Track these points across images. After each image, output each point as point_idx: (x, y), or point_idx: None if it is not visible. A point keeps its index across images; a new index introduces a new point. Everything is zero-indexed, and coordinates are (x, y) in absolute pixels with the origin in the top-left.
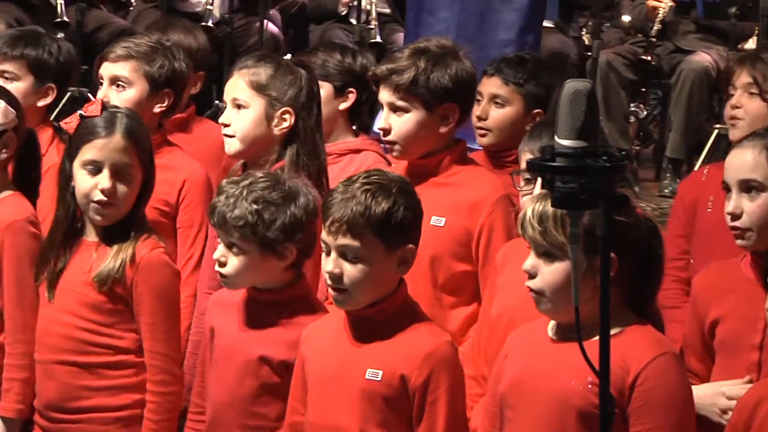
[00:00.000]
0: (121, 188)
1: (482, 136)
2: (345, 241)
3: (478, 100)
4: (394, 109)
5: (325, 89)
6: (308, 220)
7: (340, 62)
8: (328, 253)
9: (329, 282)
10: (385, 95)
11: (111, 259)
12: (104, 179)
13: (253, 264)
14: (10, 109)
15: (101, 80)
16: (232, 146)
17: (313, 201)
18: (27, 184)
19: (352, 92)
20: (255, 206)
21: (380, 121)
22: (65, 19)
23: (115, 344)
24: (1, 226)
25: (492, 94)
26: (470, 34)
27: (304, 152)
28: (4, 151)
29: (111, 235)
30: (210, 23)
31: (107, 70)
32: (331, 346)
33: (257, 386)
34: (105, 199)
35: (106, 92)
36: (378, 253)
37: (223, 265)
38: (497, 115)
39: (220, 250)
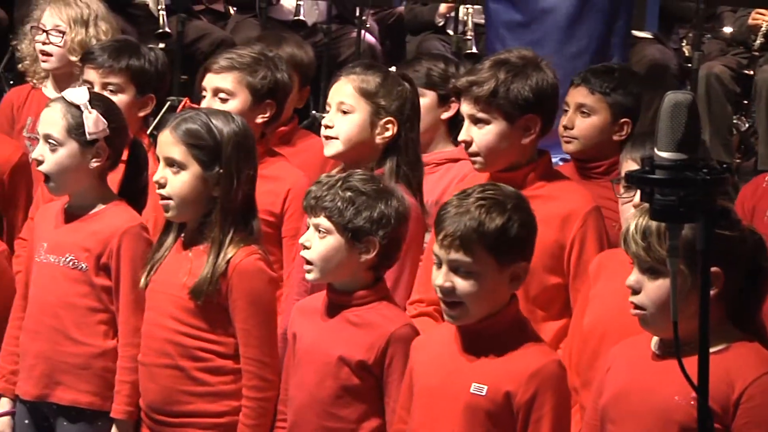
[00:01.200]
0: (174, 182)
1: (567, 143)
2: (457, 256)
3: (565, 110)
4: (475, 121)
5: (429, 98)
6: (396, 222)
7: (444, 71)
8: (439, 266)
9: (440, 295)
10: (465, 107)
11: (206, 267)
12: (158, 172)
13: (336, 249)
14: (102, 119)
15: (204, 92)
16: (333, 147)
17: (406, 207)
18: (134, 192)
19: (454, 102)
20: (348, 193)
21: (462, 134)
22: (167, 29)
23: (214, 349)
24: (115, 233)
25: (578, 104)
26: (553, 46)
27: (404, 163)
28: (95, 160)
29: (199, 236)
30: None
31: (210, 81)
32: (439, 357)
33: (337, 388)
34: (163, 192)
35: (210, 103)
36: (490, 269)
37: (307, 248)
38: (583, 124)
39: (307, 234)
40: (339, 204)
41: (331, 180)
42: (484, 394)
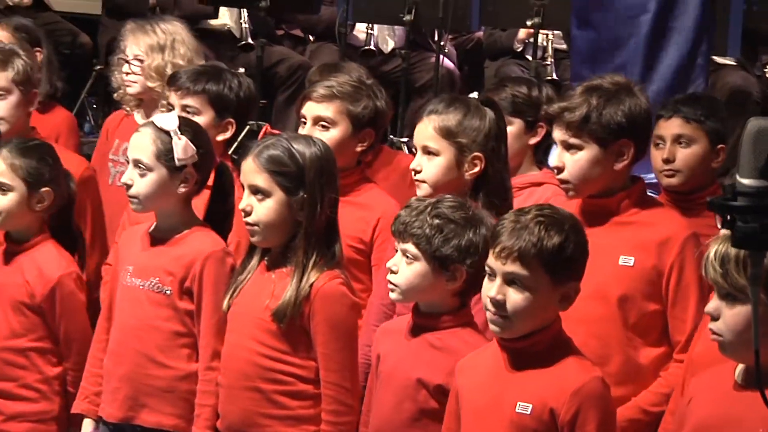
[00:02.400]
0: (260, 209)
1: (670, 177)
2: (513, 268)
3: (658, 144)
4: (568, 147)
5: (516, 126)
6: (484, 250)
7: (528, 96)
8: (492, 279)
9: (490, 308)
10: (558, 133)
11: (289, 291)
12: (243, 200)
13: (423, 276)
14: (191, 145)
15: (303, 119)
16: (423, 191)
17: None
18: (219, 216)
19: (542, 127)
20: (436, 221)
21: (554, 159)
22: (249, 41)
23: (295, 373)
24: (198, 258)
25: (675, 135)
26: (637, 71)
27: (494, 194)
28: (183, 185)
29: (283, 259)
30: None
31: (310, 110)
32: (485, 377)
33: (415, 410)
34: (248, 220)
35: (310, 132)
36: (543, 286)
37: (394, 273)
38: (684, 155)
39: (394, 259)
40: (427, 231)
41: (420, 205)
42: (529, 413)
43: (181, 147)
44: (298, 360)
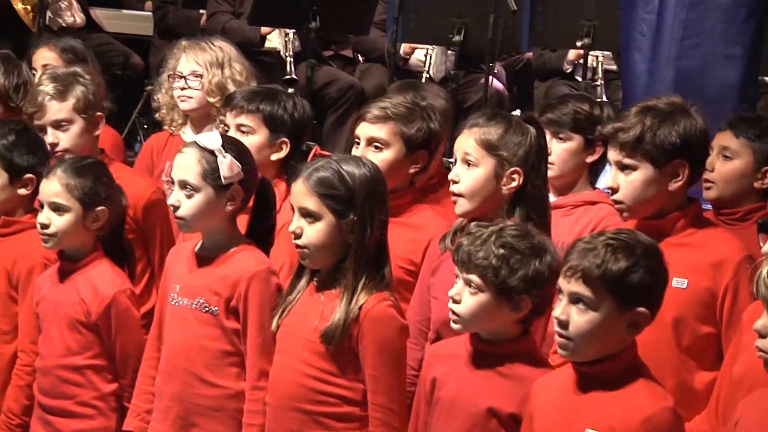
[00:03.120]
0: (310, 232)
1: (707, 188)
2: (577, 288)
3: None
4: (622, 167)
5: (576, 142)
6: (549, 278)
7: (590, 113)
8: (561, 298)
9: (556, 328)
10: (612, 154)
11: (338, 312)
12: (293, 222)
13: (487, 307)
14: (236, 162)
15: (357, 140)
16: (462, 206)
17: (558, 261)
18: (260, 234)
19: (600, 146)
20: (502, 251)
21: (608, 180)
22: (294, 76)
23: (342, 394)
24: (244, 277)
25: (721, 147)
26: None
27: (533, 210)
28: (230, 203)
29: (332, 280)
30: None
31: (364, 130)
32: (556, 401)
33: None
34: (299, 242)
35: (363, 152)
36: (607, 309)
37: (457, 302)
38: (722, 167)
39: (457, 288)
40: (493, 262)
41: (483, 233)
42: None
43: (227, 165)
44: (346, 382)
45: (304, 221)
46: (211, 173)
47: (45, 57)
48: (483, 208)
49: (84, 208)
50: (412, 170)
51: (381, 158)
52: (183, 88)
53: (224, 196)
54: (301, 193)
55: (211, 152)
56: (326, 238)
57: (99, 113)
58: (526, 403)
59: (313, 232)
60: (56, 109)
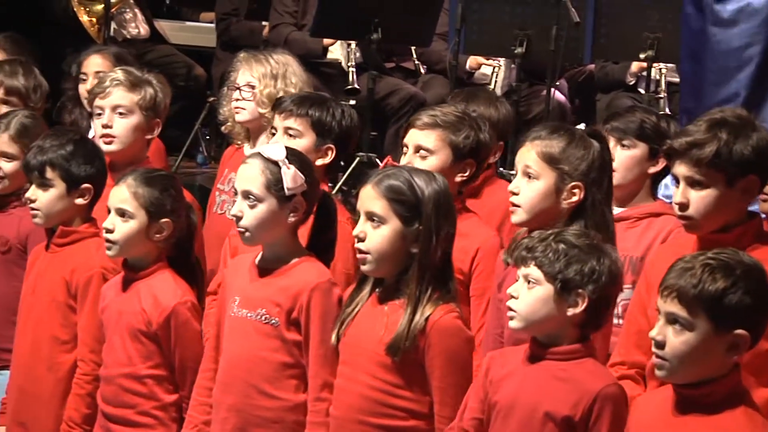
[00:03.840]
0: (374, 236)
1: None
2: (673, 308)
3: None
4: (693, 183)
5: (640, 150)
6: (608, 280)
7: (657, 125)
8: (658, 318)
9: (654, 349)
10: (683, 169)
11: (403, 324)
12: (357, 226)
13: (544, 300)
14: (299, 174)
15: (405, 147)
16: (518, 216)
17: (618, 268)
18: (321, 247)
19: (662, 158)
20: (561, 245)
21: (676, 196)
22: (355, 86)
23: (409, 407)
24: (305, 289)
25: None
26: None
27: (592, 225)
28: (292, 215)
29: (395, 291)
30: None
31: (413, 137)
32: (653, 421)
33: None
34: (361, 246)
35: (410, 159)
36: (704, 330)
37: (515, 298)
38: None
39: (515, 285)
40: (550, 255)
41: (543, 234)
42: None
43: (291, 176)
44: (412, 394)
45: (369, 225)
46: (274, 184)
47: (98, 64)
48: (540, 221)
49: (149, 218)
50: (458, 179)
51: (427, 165)
52: (237, 99)
53: (287, 207)
54: (370, 197)
55: (275, 163)
56: (389, 243)
57: (158, 119)
58: (580, 406)
59: (377, 237)
60: (121, 96)
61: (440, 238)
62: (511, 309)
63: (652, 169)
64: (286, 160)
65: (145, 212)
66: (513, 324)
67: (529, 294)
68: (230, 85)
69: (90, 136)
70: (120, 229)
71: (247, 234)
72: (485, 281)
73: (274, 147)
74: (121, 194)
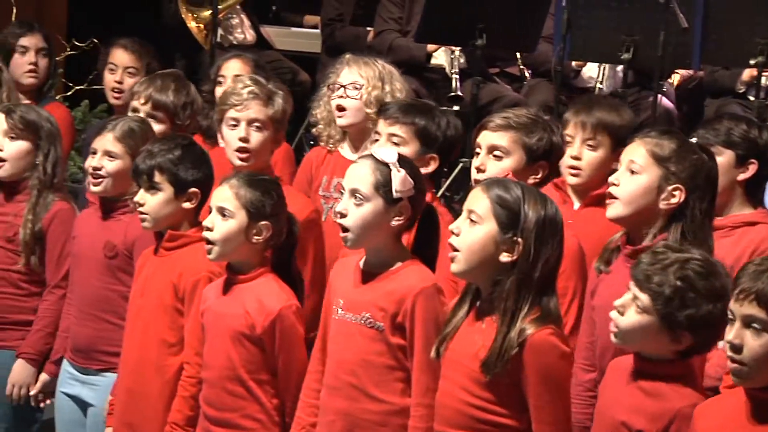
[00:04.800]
0: (466, 232)
1: None
2: (751, 310)
3: None
4: None
5: (726, 157)
6: (719, 323)
7: (746, 132)
8: (733, 323)
9: (729, 353)
10: None
11: (498, 340)
12: (457, 221)
13: (647, 330)
14: (409, 179)
15: (478, 148)
16: (615, 210)
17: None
18: (425, 257)
19: (753, 163)
20: (679, 283)
21: None
22: (459, 93)
23: (506, 423)
24: (410, 293)
25: None
26: None
27: (690, 232)
28: (396, 218)
29: (493, 307)
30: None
31: (486, 138)
32: (724, 424)
33: None
34: (453, 242)
35: (483, 161)
36: None
37: (620, 314)
38: None
39: (624, 300)
40: (666, 291)
41: (668, 259)
42: None
43: (400, 179)
44: (509, 412)
45: (466, 222)
46: (383, 185)
47: (237, 68)
48: (636, 217)
49: (248, 218)
50: (531, 181)
51: (500, 166)
52: (341, 97)
53: (392, 210)
54: (476, 195)
55: (386, 165)
56: (480, 244)
57: (282, 132)
58: (659, 423)
59: (470, 234)
60: (257, 110)
61: (540, 256)
62: (613, 322)
63: (742, 176)
64: (397, 163)
65: (245, 212)
66: (613, 339)
67: (634, 316)
68: (331, 86)
69: (220, 144)
70: (219, 227)
71: (350, 235)
72: (566, 281)
73: (386, 150)
74: (223, 193)
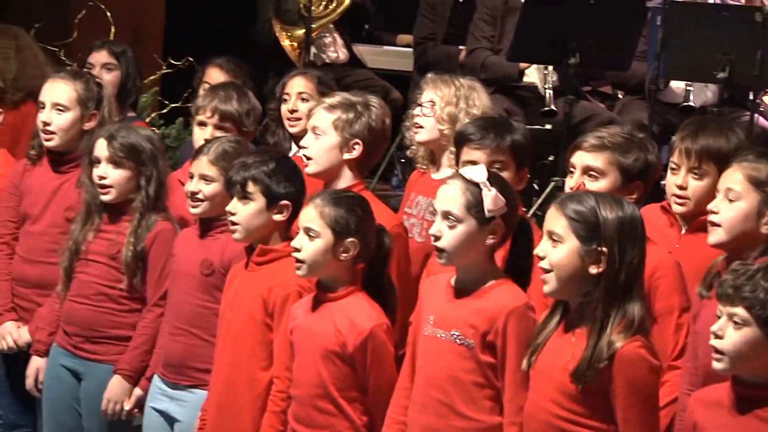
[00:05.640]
0: (553, 253)
1: None
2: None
3: None
4: None
5: None
6: None
7: None
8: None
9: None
10: None
11: (587, 352)
12: (540, 244)
13: (751, 342)
14: (500, 196)
15: (573, 168)
16: (716, 236)
17: None
18: (519, 270)
19: None
20: None
21: None
22: (553, 107)
23: None
24: (501, 312)
25: None
26: None
27: None
28: (491, 237)
29: (581, 319)
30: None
31: (580, 159)
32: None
33: None
34: (544, 265)
35: (578, 181)
36: None
37: (720, 338)
38: None
39: (719, 323)
40: (761, 296)
41: (750, 270)
42: None
43: (492, 199)
44: (597, 424)
45: (549, 244)
46: (475, 205)
47: (302, 85)
48: (737, 243)
49: (335, 237)
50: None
51: (596, 187)
52: (417, 116)
53: (486, 229)
54: (552, 216)
55: (476, 185)
56: (567, 261)
57: (357, 140)
58: None
59: (555, 255)
60: (319, 118)
61: (624, 262)
62: (715, 349)
63: None
64: (488, 182)
65: (331, 231)
66: (718, 366)
67: (735, 335)
68: (414, 106)
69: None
70: (307, 248)
71: (445, 255)
72: (667, 300)
73: (475, 169)
74: (309, 214)
